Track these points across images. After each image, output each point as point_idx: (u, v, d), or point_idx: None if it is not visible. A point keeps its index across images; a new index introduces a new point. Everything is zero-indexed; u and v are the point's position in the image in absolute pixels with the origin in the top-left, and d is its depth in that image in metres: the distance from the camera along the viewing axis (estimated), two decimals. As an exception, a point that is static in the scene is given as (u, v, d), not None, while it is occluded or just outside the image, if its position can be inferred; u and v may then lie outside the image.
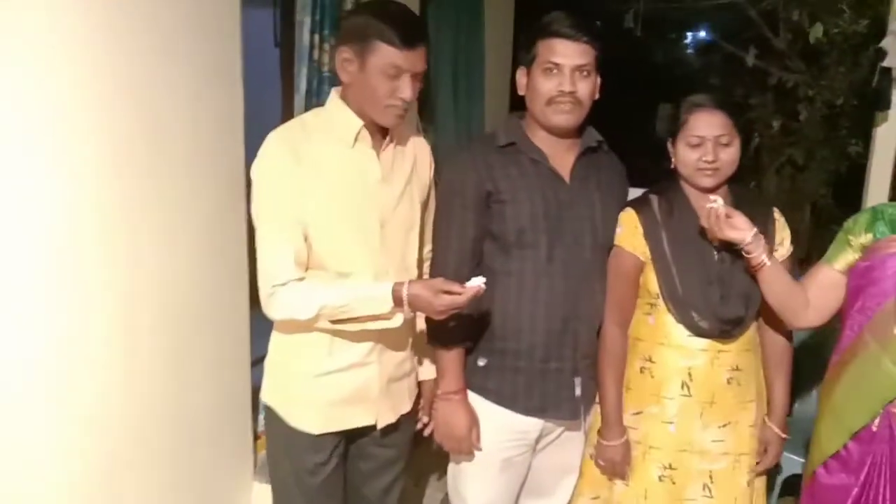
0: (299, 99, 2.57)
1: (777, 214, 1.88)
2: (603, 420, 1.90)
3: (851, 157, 5.44)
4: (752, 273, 1.75)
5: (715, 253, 1.80)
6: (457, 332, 1.80)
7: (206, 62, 2.06)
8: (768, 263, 1.71)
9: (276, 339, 1.79)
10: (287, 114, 2.69)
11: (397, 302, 1.61)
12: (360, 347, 1.73)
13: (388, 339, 1.75)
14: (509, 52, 4.86)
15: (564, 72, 1.73)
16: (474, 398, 1.85)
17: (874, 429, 1.69)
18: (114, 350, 1.81)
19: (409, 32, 1.59)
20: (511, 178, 1.78)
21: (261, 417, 2.19)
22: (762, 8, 5.65)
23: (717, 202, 1.70)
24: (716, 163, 1.75)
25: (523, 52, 1.80)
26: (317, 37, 2.55)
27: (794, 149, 5.85)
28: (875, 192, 3.95)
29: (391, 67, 1.58)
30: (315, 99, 2.59)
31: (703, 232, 1.79)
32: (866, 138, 4.33)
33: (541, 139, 1.81)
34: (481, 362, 1.85)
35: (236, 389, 2.36)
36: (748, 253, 1.71)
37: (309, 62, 2.54)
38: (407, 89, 1.61)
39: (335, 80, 2.66)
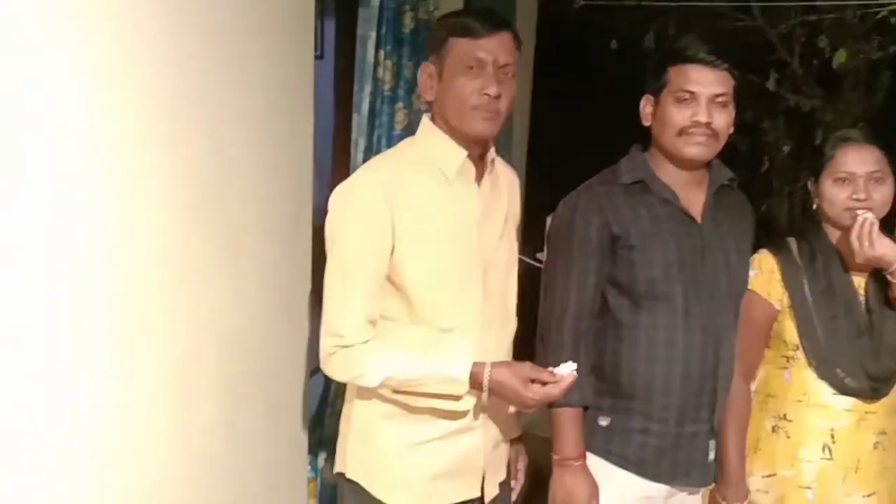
0: (359, 119, 2.36)
1: None
2: (723, 479, 1.72)
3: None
4: None
5: (862, 302, 1.65)
6: (579, 388, 1.61)
7: (280, 106, 1.85)
8: None
9: (362, 405, 1.57)
10: (342, 136, 2.48)
11: (475, 386, 1.43)
12: (464, 408, 1.53)
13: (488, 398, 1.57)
14: (530, 73, 4.74)
15: (700, 101, 1.56)
16: (594, 461, 1.66)
17: None
18: (170, 414, 1.57)
19: (484, 19, 1.43)
20: (640, 220, 1.60)
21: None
22: (780, 32, 5.60)
23: (869, 214, 1.56)
24: (867, 201, 1.60)
25: (650, 79, 1.64)
26: (382, 53, 2.36)
27: (807, 173, 5.81)
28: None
29: (471, 60, 1.41)
30: (377, 120, 2.40)
31: (849, 281, 1.64)
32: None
33: (669, 176, 1.64)
34: (603, 422, 1.66)
35: (292, 456, 2.14)
36: None
37: (373, 80, 2.34)
38: (491, 83, 1.41)
39: (396, 99, 2.52)
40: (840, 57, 5.10)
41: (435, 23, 1.54)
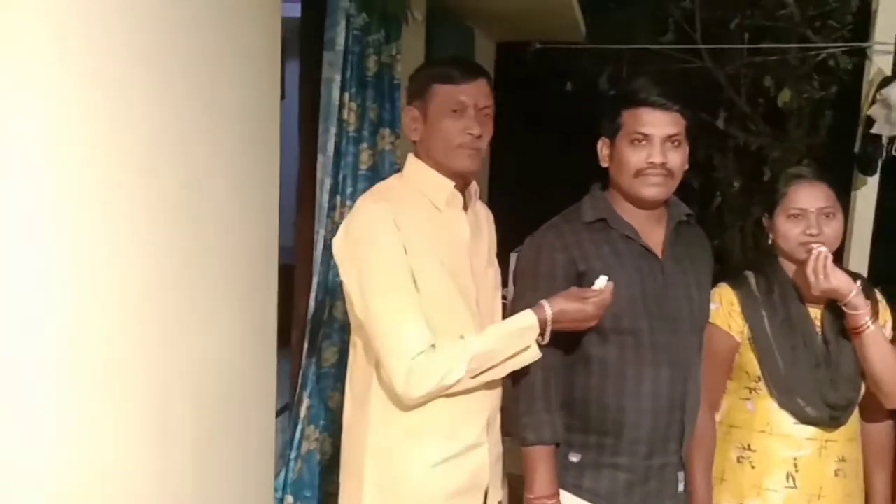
0: (325, 160, 2.39)
1: (879, 296, 1.79)
2: None
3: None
4: (854, 339, 1.65)
5: (819, 332, 1.70)
6: (550, 425, 1.62)
7: (246, 131, 1.87)
8: (871, 327, 1.62)
9: (380, 429, 1.56)
10: (307, 176, 2.49)
11: (542, 325, 1.50)
12: (478, 422, 1.59)
13: (495, 408, 1.63)
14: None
15: (654, 142, 1.61)
16: (566, 498, 1.66)
17: None
18: (147, 440, 1.55)
19: (464, 67, 1.56)
20: (604, 257, 1.64)
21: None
22: (728, 72, 5.83)
23: (823, 248, 1.62)
24: (820, 236, 1.66)
25: (606, 122, 1.69)
26: (346, 95, 2.39)
27: (759, 208, 6.02)
28: (857, 251, 4.04)
29: (454, 104, 1.53)
30: (342, 160, 2.42)
31: (805, 313, 1.70)
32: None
33: (629, 213, 1.68)
34: (574, 458, 1.67)
35: (259, 497, 2.10)
36: (852, 309, 1.61)
37: (338, 122, 2.36)
38: (474, 124, 1.54)
39: (361, 140, 2.55)
40: (784, 96, 5.35)
41: (416, 71, 1.63)
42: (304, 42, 2.54)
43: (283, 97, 2.81)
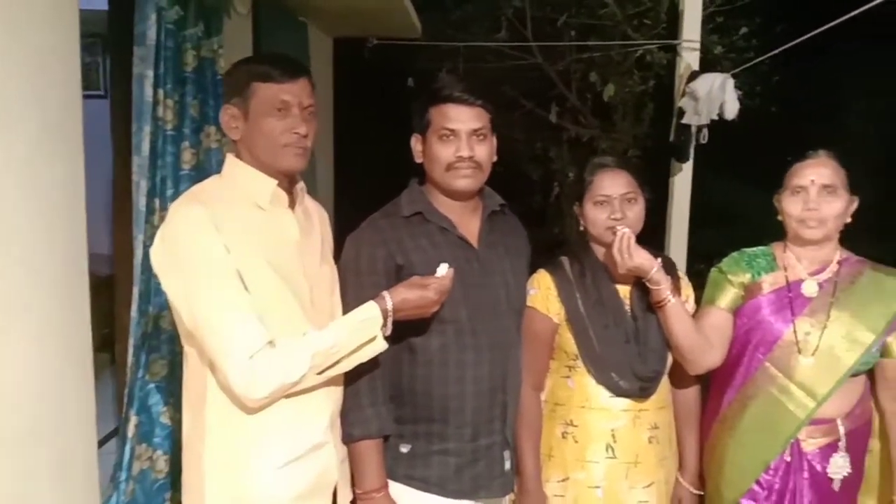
0: (140, 161, 2.24)
1: (681, 273, 1.94)
2: (522, 488, 1.81)
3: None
4: (658, 312, 1.77)
5: (628, 310, 1.81)
6: (377, 418, 1.63)
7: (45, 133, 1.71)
8: (672, 300, 1.75)
9: (223, 434, 1.49)
10: (124, 178, 2.34)
11: (384, 315, 1.51)
12: (320, 421, 1.56)
13: (337, 405, 1.61)
14: (331, 112, 4.78)
15: (461, 137, 1.67)
16: (398, 489, 1.67)
17: (787, 458, 1.78)
18: None
19: (286, 66, 1.53)
20: (422, 249, 1.67)
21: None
22: (558, 69, 6.11)
23: (626, 230, 1.73)
24: (624, 220, 1.78)
25: (416, 119, 1.73)
26: (161, 92, 2.26)
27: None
28: (676, 233, 4.37)
29: (277, 103, 1.50)
30: (160, 160, 2.29)
31: (615, 292, 1.81)
32: (652, 185, 4.80)
33: (445, 206, 1.73)
34: (404, 449, 1.68)
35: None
36: (654, 285, 1.73)
37: (153, 120, 2.23)
38: (300, 123, 1.52)
39: (182, 139, 2.42)
40: (609, 90, 5.70)
41: (232, 68, 1.56)
42: (112, 37, 2.38)
43: (105, 96, 2.63)
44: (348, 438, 1.63)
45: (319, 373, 1.48)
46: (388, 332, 1.54)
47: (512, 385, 1.74)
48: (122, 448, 2.40)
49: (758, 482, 1.81)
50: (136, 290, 2.31)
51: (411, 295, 1.53)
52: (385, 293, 1.53)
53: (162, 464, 2.49)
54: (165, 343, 2.43)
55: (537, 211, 6.87)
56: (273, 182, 1.54)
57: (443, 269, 1.57)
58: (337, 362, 1.50)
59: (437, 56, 5.75)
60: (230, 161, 1.56)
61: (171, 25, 2.33)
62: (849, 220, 1.80)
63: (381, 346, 1.53)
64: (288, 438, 1.51)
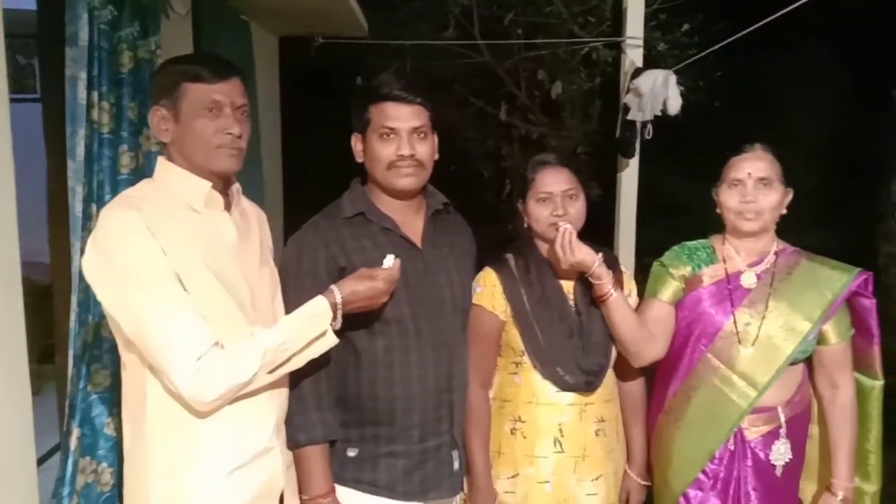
0: (75, 165, 2.17)
1: (624, 268, 1.96)
2: (472, 486, 1.82)
3: (592, 199, 6.12)
4: (601, 306, 1.79)
5: (572, 306, 1.83)
6: (322, 423, 1.61)
7: None
8: (615, 294, 1.77)
9: (167, 440, 1.45)
10: (58, 183, 2.26)
11: (333, 308, 1.50)
12: (266, 426, 1.53)
13: (283, 409, 1.58)
14: (278, 113, 4.71)
15: (401, 135, 1.66)
16: (345, 493, 1.66)
17: (731, 447, 1.82)
18: None
19: (217, 66, 1.51)
20: (364, 251, 1.66)
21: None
22: (506, 67, 6.15)
23: (568, 226, 1.74)
24: (566, 216, 1.79)
25: (356, 118, 1.71)
26: (96, 94, 2.19)
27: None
28: (624, 227, 4.43)
29: (209, 103, 1.48)
30: (96, 165, 2.22)
31: (559, 288, 1.82)
32: (602, 182, 4.88)
33: (387, 206, 1.72)
34: (351, 452, 1.67)
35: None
36: (596, 279, 1.75)
37: (88, 123, 2.17)
38: (233, 124, 1.50)
39: (119, 142, 2.36)
40: (557, 88, 5.76)
41: (161, 68, 1.52)
42: (42, 38, 2.31)
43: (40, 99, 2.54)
44: (294, 444, 1.61)
45: (270, 371, 1.46)
46: (338, 325, 1.53)
47: (458, 385, 1.74)
48: (64, 462, 2.33)
49: (703, 471, 1.85)
50: (74, 299, 2.23)
51: (360, 286, 1.53)
52: (333, 287, 1.52)
53: (108, 476, 2.42)
54: (108, 353, 2.36)
55: (489, 208, 6.90)
56: (207, 184, 1.50)
57: (389, 261, 1.57)
58: (288, 360, 1.48)
59: (386, 54, 5.72)
60: (161, 164, 1.53)
61: (104, 26, 2.26)
62: (784, 211, 1.85)
63: (331, 340, 1.52)
64: (233, 445, 1.48)
